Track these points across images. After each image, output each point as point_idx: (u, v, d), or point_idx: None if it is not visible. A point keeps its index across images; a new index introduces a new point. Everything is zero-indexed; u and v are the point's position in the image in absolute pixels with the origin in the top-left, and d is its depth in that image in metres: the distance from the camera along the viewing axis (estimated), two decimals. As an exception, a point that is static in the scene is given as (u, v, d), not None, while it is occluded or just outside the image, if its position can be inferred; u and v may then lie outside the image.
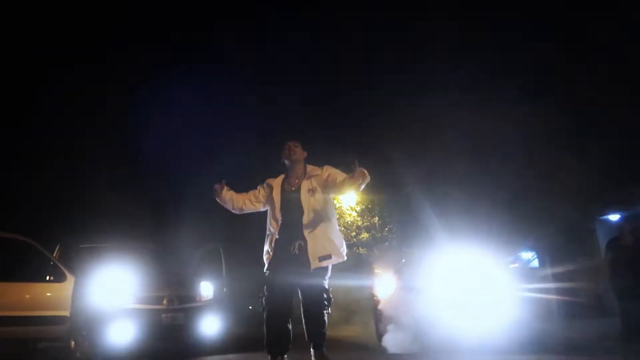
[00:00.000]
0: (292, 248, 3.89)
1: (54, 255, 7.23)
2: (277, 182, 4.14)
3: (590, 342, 6.31)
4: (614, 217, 11.57)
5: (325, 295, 3.94)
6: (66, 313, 6.36)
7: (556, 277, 8.97)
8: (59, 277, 6.51)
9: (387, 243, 17.12)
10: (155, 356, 6.07)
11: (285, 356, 3.93)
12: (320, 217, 3.94)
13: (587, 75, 10.94)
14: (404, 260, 8.35)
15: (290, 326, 3.94)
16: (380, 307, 6.90)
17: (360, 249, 17.65)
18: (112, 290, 6.11)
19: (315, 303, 3.91)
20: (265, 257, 4.04)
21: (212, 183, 4.15)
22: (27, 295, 6.41)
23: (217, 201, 4.17)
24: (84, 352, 6.01)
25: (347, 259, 4.14)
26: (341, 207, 18.41)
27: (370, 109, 13.98)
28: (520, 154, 11.56)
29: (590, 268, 8.48)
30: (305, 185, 4.01)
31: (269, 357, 3.94)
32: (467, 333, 6.19)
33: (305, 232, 3.89)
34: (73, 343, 6.19)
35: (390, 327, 6.69)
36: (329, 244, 3.92)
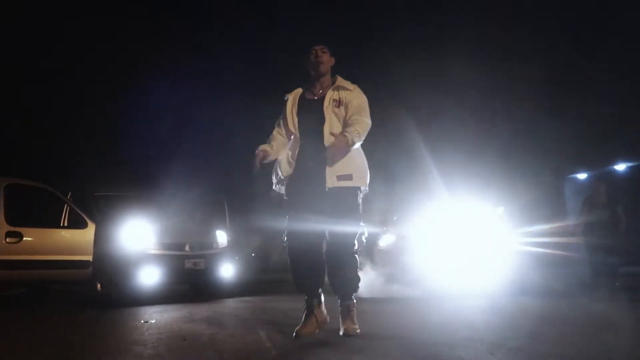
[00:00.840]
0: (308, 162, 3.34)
1: (66, 202, 7.52)
2: (295, 92, 3.56)
3: (564, 287, 7.20)
4: (582, 176, 12.66)
5: (351, 230, 3.30)
6: (88, 258, 6.78)
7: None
8: (81, 224, 6.89)
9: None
10: (179, 299, 6.56)
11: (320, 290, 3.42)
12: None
13: (570, 42, 11.66)
14: (395, 218, 9.03)
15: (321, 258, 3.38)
16: (379, 256, 7.60)
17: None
18: (136, 237, 6.51)
19: (338, 240, 3.30)
20: (276, 182, 3.47)
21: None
22: (52, 241, 6.76)
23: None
24: (111, 295, 6.46)
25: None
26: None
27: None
28: (502, 113, 12.30)
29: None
30: (329, 94, 3.41)
31: (306, 304, 3.39)
32: (458, 279, 7.00)
33: (326, 145, 3.28)
34: (99, 285, 6.63)
35: (389, 275, 7.43)
36: (352, 162, 3.33)
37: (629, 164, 11.86)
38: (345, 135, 3.25)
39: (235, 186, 10.63)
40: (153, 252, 6.54)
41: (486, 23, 13.29)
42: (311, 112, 3.42)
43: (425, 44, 13.01)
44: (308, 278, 3.38)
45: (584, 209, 8.02)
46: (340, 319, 3.36)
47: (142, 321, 4.56)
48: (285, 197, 3.44)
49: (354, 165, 3.34)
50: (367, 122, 3.40)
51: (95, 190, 7.67)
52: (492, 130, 12.29)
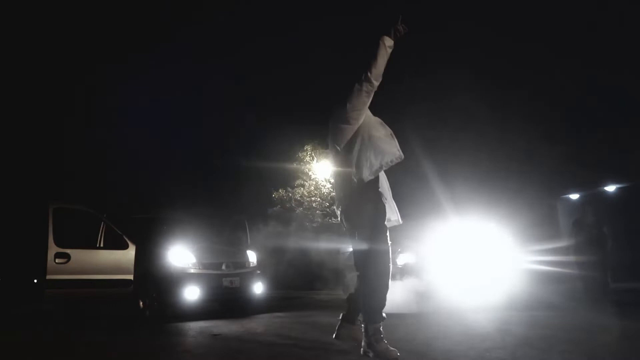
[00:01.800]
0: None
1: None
2: None
3: (563, 301, 8.00)
4: (574, 196, 13.62)
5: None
6: (130, 277, 7.39)
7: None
8: (122, 245, 7.50)
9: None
10: (214, 316, 7.17)
11: None
12: None
13: (560, 71, 12.68)
14: (399, 250, 9.74)
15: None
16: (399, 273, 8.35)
17: (334, 219, 19.21)
18: (177, 257, 7.16)
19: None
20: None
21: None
22: (96, 261, 7.35)
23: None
24: (153, 311, 7.08)
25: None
26: (316, 178, 19.76)
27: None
28: (496, 140, 13.23)
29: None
30: None
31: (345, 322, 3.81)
32: (466, 294, 7.78)
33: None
34: (142, 303, 7.24)
35: (406, 291, 8.16)
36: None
37: (618, 186, 12.84)
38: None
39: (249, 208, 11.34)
40: (193, 271, 7.19)
41: (487, 54, 14.32)
42: None
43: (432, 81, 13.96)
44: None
45: (573, 230, 8.85)
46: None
47: (214, 334, 5.18)
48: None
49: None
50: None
51: (131, 213, 8.29)
52: (493, 157, 13.20)
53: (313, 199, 19.45)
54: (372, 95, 3.72)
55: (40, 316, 6.89)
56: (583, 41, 13.47)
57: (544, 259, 9.62)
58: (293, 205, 19.86)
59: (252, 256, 7.92)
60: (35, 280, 6.95)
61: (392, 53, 3.69)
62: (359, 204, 3.69)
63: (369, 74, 3.64)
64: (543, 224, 12.89)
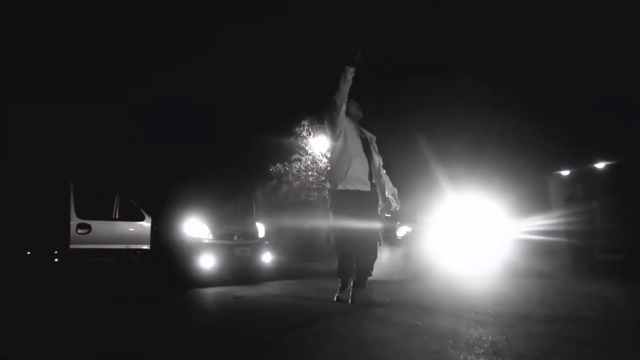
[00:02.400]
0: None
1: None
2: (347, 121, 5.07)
3: (550, 270, 8.68)
4: (565, 173, 14.28)
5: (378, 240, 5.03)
6: (147, 246, 7.94)
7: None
8: (139, 217, 8.02)
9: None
10: (230, 282, 7.74)
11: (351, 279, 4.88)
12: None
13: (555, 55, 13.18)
14: (407, 213, 10.38)
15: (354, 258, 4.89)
16: (399, 244, 8.97)
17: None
18: (193, 227, 7.70)
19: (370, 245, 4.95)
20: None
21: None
22: (115, 231, 7.87)
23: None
24: (171, 278, 7.63)
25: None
26: (313, 153, 20.24)
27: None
28: (492, 117, 13.78)
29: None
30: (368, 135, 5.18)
31: (340, 281, 4.91)
32: (462, 264, 8.44)
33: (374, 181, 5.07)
34: (159, 271, 7.80)
35: (404, 261, 8.80)
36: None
37: (608, 163, 13.50)
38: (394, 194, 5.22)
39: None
40: (208, 241, 7.75)
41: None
42: (364, 145, 5.06)
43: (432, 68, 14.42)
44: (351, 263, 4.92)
45: (564, 205, 9.48)
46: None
47: (235, 297, 5.77)
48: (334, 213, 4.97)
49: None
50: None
51: (148, 186, 8.80)
52: (488, 133, 13.77)
53: (310, 173, 19.96)
54: (340, 111, 4.82)
55: (65, 285, 7.41)
56: (575, 19, 13.90)
57: (536, 230, 10.24)
58: (290, 179, 20.31)
59: (260, 228, 8.48)
60: (58, 250, 7.48)
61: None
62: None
63: (334, 98, 4.73)
64: (535, 199, 13.57)
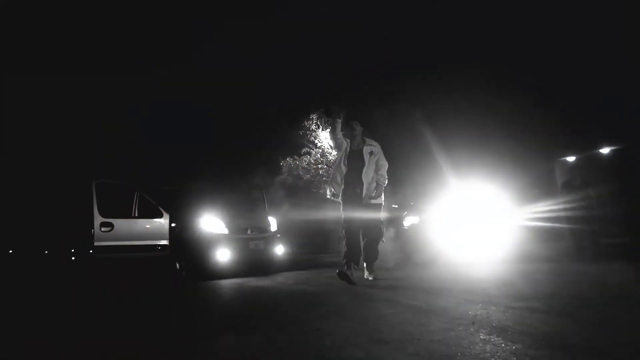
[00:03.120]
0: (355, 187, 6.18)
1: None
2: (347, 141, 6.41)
3: (552, 255, 9.13)
4: (571, 159, 14.60)
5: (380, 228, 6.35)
6: (166, 242, 8.54)
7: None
8: (157, 214, 8.61)
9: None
10: (245, 274, 8.30)
11: (357, 266, 6.11)
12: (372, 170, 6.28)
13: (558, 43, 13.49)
14: (412, 203, 10.90)
15: (361, 244, 6.17)
16: (404, 235, 9.48)
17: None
18: (208, 223, 8.27)
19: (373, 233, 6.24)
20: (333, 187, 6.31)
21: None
22: (136, 228, 8.48)
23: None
24: (189, 271, 8.23)
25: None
26: (322, 146, 20.73)
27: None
28: (498, 106, 14.14)
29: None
30: (365, 149, 6.29)
31: (345, 266, 5.98)
32: (466, 251, 8.92)
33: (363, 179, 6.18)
34: (178, 265, 8.40)
35: (411, 250, 9.31)
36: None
37: (613, 148, 13.82)
38: (379, 186, 6.21)
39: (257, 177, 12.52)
40: (223, 235, 8.31)
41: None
42: (355, 156, 6.27)
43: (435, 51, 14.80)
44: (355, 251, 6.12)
45: (562, 191, 9.89)
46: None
47: (250, 286, 6.32)
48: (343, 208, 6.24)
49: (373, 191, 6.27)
50: (385, 164, 6.32)
51: (161, 186, 9.40)
52: (493, 122, 14.14)
53: (319, 166, 20.50)
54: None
55: (90, 279, 8.03)
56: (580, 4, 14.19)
57: (540, 217, 10.63)
58: (300, 173, 20.82)
59: (272, 222, 9.04)
60: (84, 247, 8.11)
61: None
62: None
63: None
64: (540, 185, 13.92)
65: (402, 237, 9.55)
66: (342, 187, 6.24)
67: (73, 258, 8.28)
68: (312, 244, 13.56)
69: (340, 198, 6.26)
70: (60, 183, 8.90)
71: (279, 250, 8.89)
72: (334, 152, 20.52)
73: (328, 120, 20.55)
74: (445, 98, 14.22)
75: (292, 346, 2.97)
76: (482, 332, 3.03)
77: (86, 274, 8.13)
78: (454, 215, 9.33)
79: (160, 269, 8.48)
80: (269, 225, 8.94)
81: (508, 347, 2.70)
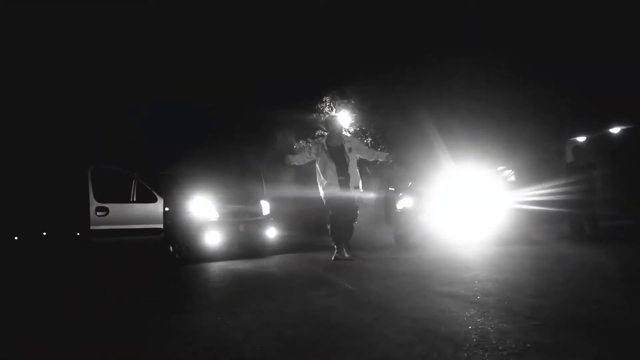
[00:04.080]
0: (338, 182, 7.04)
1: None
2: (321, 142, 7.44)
3: (545, 237, 9.12)
4: (581, 139, 14.42)
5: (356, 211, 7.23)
6: (160, 226, 8.84)
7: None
8: (152, 199, 8.91)
9: (378, 162, 19.93)
10: (236, 256, 8.57)
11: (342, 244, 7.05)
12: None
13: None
14: (410, 184, 10.97)
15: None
16: (397, 216, 9.59)
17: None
18: (200, 207, 8.54)
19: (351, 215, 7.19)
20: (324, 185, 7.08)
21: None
22: (131, 212, 8.80)
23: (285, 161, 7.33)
24: (182, 254, 8.53)
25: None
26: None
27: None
28: (507, 86, 13.98)
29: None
30: (346, 145, 7.25)
31: (335, 246, 7.04)
32: (461, 233, 8.96)
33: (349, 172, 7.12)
34: (171, 248, 8.71)
35: (404, 231, 9.41)
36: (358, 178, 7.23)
37: (623, 127, 13.59)
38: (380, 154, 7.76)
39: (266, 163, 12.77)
40: (213, 219, 8.58)
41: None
42: (338, 153, 7.07)
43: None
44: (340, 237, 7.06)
45: (565, 172, 9.80)
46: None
47: (230, 269, 6.59)
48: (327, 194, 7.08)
49: (358, 179, 7.20)
50: (368, 148, 7.57)
51: (159, 170, 9.71)
52: (499, 101, 14.02)
53: (332, 148, 20.65)
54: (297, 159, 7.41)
55: (86, 261, 8.40)
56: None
57: (541, 199, 10.56)
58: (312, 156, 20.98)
59: (265, 205, 9.27)
60: (80, 231, 8.47)
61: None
62: None
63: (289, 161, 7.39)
64: (550, 166, 13.80)
65: (395, 219, 9.68)
66: (334, 178, 7.03)
67: (70, 241, 8.65)
68: (306, 227, 13.68)
69: (326, 187, 7.05)
70: (58, 170, 9.27)
71: (271, 233, 9.12)
72: (347, 134, 20.73)
73: (342, 103, 20.80)
74: (450, 81, 14.15)
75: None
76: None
77: (83, 258, 8.47)
78: (449, 198, 9.34)
79: (154, 252, 8.78)
80: (262, 209, 9.17)
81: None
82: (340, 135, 7.34)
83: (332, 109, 20.78)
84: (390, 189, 10.83)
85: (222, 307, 4.03)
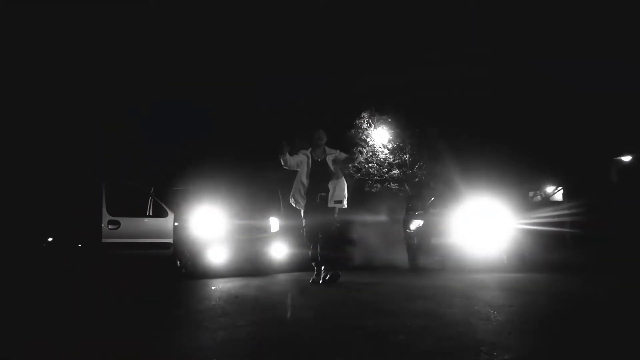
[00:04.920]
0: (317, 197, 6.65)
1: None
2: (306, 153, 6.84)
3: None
4: (627, 158, 13.65)
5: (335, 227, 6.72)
6: (169, 240, 9.05)
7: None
8: (163, 213, 9.15)
9: (416, 179, 19.64)
10: (241, 273, 8.61)
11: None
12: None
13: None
14: (432, 199, 10.72)
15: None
16: (411, 237, 9.37)
17: (393, 184, 20.26)
18: (207, 223, 8.70)
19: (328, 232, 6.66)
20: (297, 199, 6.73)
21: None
22: (142, 226, 9.07)
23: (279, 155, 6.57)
24: (188, 269, 8.69)
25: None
26: (374, 144, 20.74)
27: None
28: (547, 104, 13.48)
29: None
30: (329, 158, 6.79)
31: (315, 267, 6.66)
32: (475, 256, 8.61)
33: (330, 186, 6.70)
34: (179, 262, 8.89)
35: (418, 253, 9.17)
36: (341, 193, 6.74)
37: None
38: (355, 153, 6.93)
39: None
40: (220, 236, 8.71)
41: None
42: (319, 167, 6.68)
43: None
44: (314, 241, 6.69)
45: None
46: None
47: (212, 287, 6.65)
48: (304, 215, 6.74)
49: (342, 195, 6.72)
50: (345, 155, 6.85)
51: (173, 186, 9.98)
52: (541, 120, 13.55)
53: (370, 165, 20.53)
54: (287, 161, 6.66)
55: (92, 277, 8.69)
56: None
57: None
58: (351, 171, 20.92)
59: (274, 222, 9.31)
60: (92, 244, 8.80)
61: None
62: None
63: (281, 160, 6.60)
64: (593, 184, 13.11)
65: (407, 240, 9.47)
66: (305, 199, 6.69)
67: (82, 254, 8.99)
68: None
69: (302, 208, 6.73)
70: (73, 183, 9.71)
71: (279, 251, 9.14)
72: (385, 151, 20.59)
73: (380, 119, 20.70)
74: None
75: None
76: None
77: (94, 269, 8.75)
78: (465, 220, 9.00)
79: (162, 267, 8.99)
80: (270, 225, 9.21)
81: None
82: (324, 149, 6.84)
83: (370, 125, 20.74)
84: (409, 206, 10.62)
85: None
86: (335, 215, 6.72)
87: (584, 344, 3.01)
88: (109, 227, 8.83)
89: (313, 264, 6.74)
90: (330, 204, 6.63)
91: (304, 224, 6.72)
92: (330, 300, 5.11)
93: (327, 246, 6.64)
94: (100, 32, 17.09)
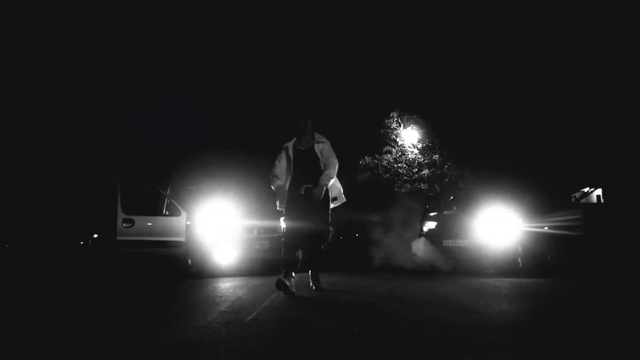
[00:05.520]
0: (301, 190, 5.60)
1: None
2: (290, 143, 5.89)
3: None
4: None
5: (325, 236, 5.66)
6: (182, 239, 9.25)
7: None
8: (176, 212, 9.37)
9: (446, 180, 19.35)
10: (250, 272, 8.77)
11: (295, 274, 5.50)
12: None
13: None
14: (452, 197, 10.59)
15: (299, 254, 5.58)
16: (419, 239, 9.30)
17: (422, 184, 20.04)
18: (219, 222, 8.87)
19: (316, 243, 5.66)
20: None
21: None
22: (156, 225, 9.31)
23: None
24: (199, 268, 8.87)
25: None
26: (403, 144, 20.58)
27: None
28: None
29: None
30: (316, 147, 5.74)
31: (283, 269, 5.43)
32: (489, 260, 8.43)
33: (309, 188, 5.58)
34: (190, 261, 9.09)
35: (430, 255, 9.08)
36: (334, 189, 5.81)
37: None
38: (319, 184, 5.52)
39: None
40: (229, 235, 8.86)
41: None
42: (304, 155, 5.71)
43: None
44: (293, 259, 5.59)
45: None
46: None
47: (215, 287, 6.78)
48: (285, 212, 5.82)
49: (336, 190, 5.86)
50: (335, 162, 5.69)
51: (187, 185, 10.22)
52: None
53: (399, 165, 20.36)
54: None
55: (109, 270, 8.97)
56: None
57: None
58: (380, 171, 20.83)
59: (282, 222, 9.37)
60: (107, 241, 9.09)
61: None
62: None
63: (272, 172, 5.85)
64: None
65: (416, 243, 9.38)
66: (298, 188, 5.65)
67: (98, 251, 9.29)
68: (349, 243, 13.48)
69: (283, 206, 5.89)
70: (90, 183, 10.05)
71: (288, 251, 9.20)
72: (415, 150, 20.39)
73: (410, 118, 20.51)
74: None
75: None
76: None
77: (94, 269, 8.90)
78: (476, 222, 8.81)
79: (162, 267, 9.13)
80: (279, 226, 9.29)
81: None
82: (312, 135, 5.82)
83: (400, 125, 20.59)
84: (426, 206, 10.52)
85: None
86: (329, 219, 5.70)
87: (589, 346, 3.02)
88: (124, 225, 9.10)
89: (282, 266, 5.56)
90: (314, 202, 5.51)
91: (282, 228, 5.87)
92: (330, 300, 5.15)
93: (311, 263, 5.73)
94: (100, 32, 17.47)
